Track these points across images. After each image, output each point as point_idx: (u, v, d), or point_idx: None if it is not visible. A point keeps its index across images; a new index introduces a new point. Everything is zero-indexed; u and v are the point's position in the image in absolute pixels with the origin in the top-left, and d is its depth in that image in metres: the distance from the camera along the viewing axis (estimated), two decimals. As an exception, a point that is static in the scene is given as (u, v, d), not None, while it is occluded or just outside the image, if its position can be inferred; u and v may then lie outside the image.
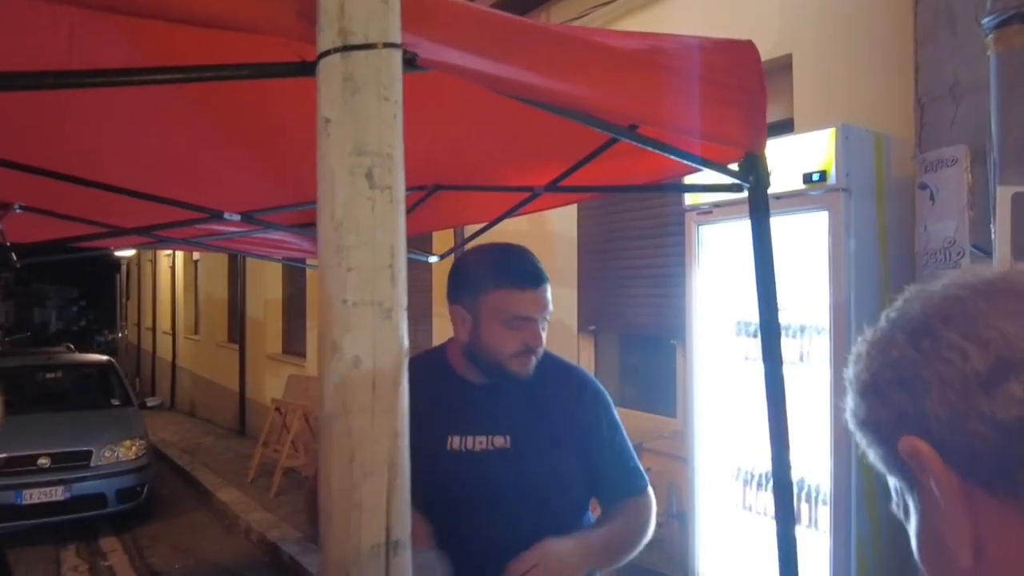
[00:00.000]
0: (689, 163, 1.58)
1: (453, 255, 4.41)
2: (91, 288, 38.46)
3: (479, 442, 1.51)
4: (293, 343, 9.30)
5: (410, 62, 1.07)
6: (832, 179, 2.30)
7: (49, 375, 7.50)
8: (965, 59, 2.05)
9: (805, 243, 2.41)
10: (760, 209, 1.60)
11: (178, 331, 13.91)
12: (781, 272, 2.00)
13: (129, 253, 14.62)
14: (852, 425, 0.58)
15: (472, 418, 1.52)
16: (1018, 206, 1.40)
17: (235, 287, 10.79)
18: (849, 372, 0.58)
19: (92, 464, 5.90)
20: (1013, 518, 0.47)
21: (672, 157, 1.55)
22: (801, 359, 2.49)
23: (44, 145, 2.03)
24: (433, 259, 4.03)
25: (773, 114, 3.49)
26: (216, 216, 2.42)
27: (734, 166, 1.60)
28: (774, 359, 1.87)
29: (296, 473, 7.04)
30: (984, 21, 1.52)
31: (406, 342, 0.92)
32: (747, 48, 1.57)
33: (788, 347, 2.34)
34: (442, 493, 1.40)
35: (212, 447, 9.34)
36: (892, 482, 0.57)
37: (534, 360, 1.50)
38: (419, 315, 6.26)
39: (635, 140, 1.50)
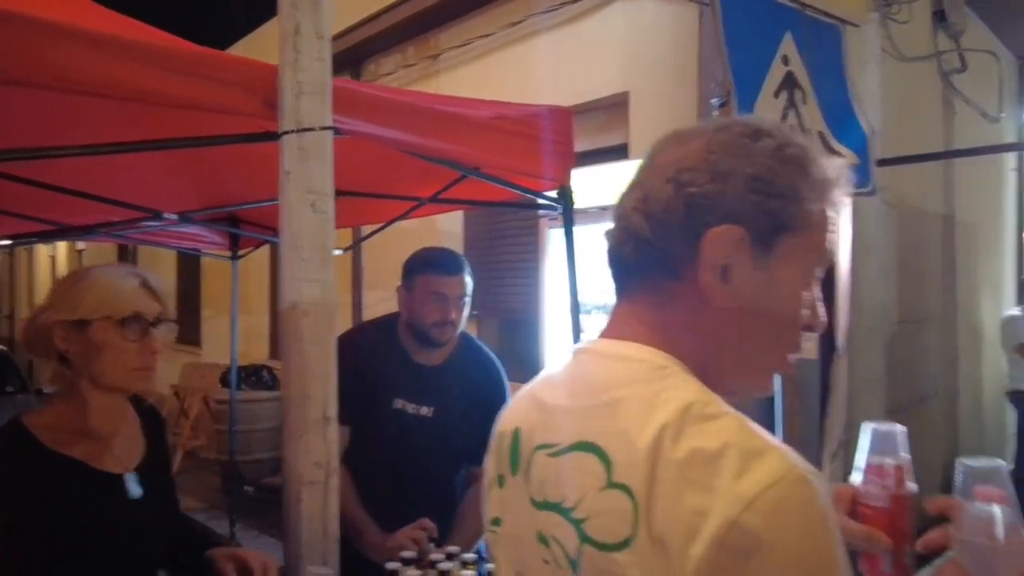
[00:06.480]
0: (518, 192, 2.30)
1: (351, 251, 4.99)
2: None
3: (411, 407, 2.01)
4: (187, 332, 9.49)
5: (336, 131, 1.71)
6: (641, 197, 3.09)
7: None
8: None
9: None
10: (568, 220, 2.34)
11: (59, 323, 13.52)
12: (599, 263, 2.74)
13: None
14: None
15: (411, 388, 2.00)
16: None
17: (125, 278, 10.76)
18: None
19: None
20: None
21: (507, 188, 2.26)
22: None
23: None
24: (337, 252, 4.60)
25: (613, 139, 4.30)
26: (157, 216, 2.93)
27: (552, 192, 2.33)
28: (576, 330, 2.57)
29: (195, 455, 7.36)
30: (712, 100, 2.32)
31: (335, 300, 1.58)
32: (564, 113, 2.30)
33: (593, 321, 3.09)
34: (388, 441, 1.97)
35: (103, 436, 9.37)
36: None
37: (450, 331, 1.96)
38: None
39: (480, 177, 2.20)
